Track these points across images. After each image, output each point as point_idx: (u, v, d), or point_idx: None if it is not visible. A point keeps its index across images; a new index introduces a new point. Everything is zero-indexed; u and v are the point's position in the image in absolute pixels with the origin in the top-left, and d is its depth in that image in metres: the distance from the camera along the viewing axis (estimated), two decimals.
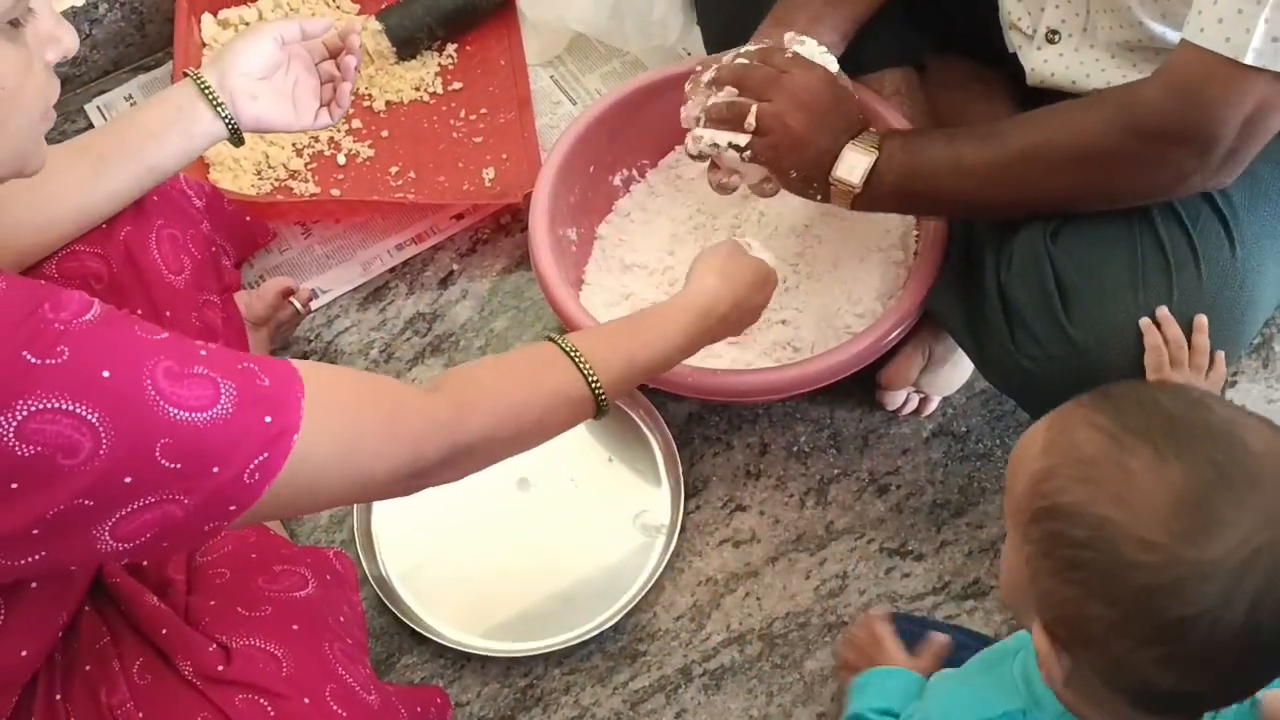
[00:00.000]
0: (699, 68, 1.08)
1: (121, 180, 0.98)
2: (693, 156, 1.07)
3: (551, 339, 0.88)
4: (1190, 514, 0.61)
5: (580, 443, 1.23)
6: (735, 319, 0.99)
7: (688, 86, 1.08)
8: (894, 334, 1.11)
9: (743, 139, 1.02)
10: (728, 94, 1.04)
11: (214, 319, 1.08)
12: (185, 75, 1.01)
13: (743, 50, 1.06)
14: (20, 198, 0.94)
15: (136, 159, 0.98)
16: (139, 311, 0.99)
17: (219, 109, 1.00)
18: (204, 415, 0.67)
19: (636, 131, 1.30)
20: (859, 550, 1.19)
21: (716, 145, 1.03)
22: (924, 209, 1.12)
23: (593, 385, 0.86)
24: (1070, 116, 0.95)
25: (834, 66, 1.07)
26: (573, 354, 0.86)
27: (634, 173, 1.34)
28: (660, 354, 0.93)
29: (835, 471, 1.23)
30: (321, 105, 1.07)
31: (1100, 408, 0.66)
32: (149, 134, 0.99)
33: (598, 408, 0.87)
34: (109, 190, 0.98)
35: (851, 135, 1.01)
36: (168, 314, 1.01)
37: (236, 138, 1.02)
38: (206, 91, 0.99)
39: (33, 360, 0.63)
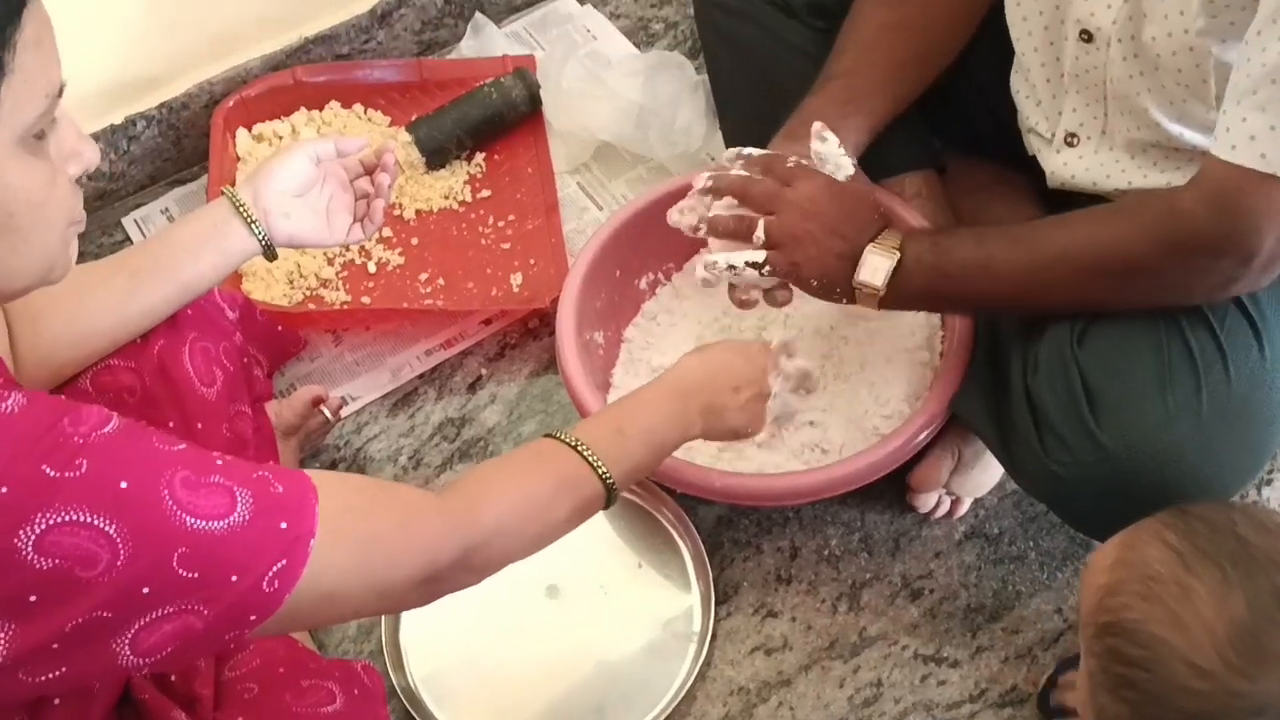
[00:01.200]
0: (701, 174, 1.08)
1: (156, 296, 1.00)
2: (708, 284, 1.06)
3: (548, 435, 0.90)
4: (1247, 645, 0.60)
5: (609, 548, 1.22)
6: (716, 384, 0.99)
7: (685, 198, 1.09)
8: (922, 436, 1.10)
9: (758, 255, 1.02)
10: (727, 205, 1.04)
11: (245, 429, 1.09)
12: (221, 193, 1.03)
13: (744, 153, 1.07)
14: (57, 313, 0.96)
15: (171, 275, 1.00)
16: (170, 424, 1.00)
17: (253, 226, 1.02)
18: (221, 524, 0.68)
19: (662, 236, 1.30)
20: (893, 657, 1.16)
21: (734, 267, 1.02)
22: (952, 308, 1.13)
23: (587, 457, 0.88)
24: (1107, 225, 0.95)
25: (850, 167, 1.07)
26: (563, 437, 0.89)
27: (660, 276, 1.36)
28: (646, 421, 0.93)
29: (867, 575, 1.21)
30: (355, 221, 1.09)
31: (1174, 526, 0.66)
32: (184, 250, 1.01)
33: (604, 484, 0.88)
34: (143, 306, 1.00)
35: (871, 236, 1.01)
36: (199, 426, 1.02)
37: (270, 253, 1.04)
38: (241, 209, 1.02)
39: (51, 474, 0.64)
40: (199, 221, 1.03)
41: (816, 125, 1.07)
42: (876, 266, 1.00)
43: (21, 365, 0.95)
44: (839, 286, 1.02)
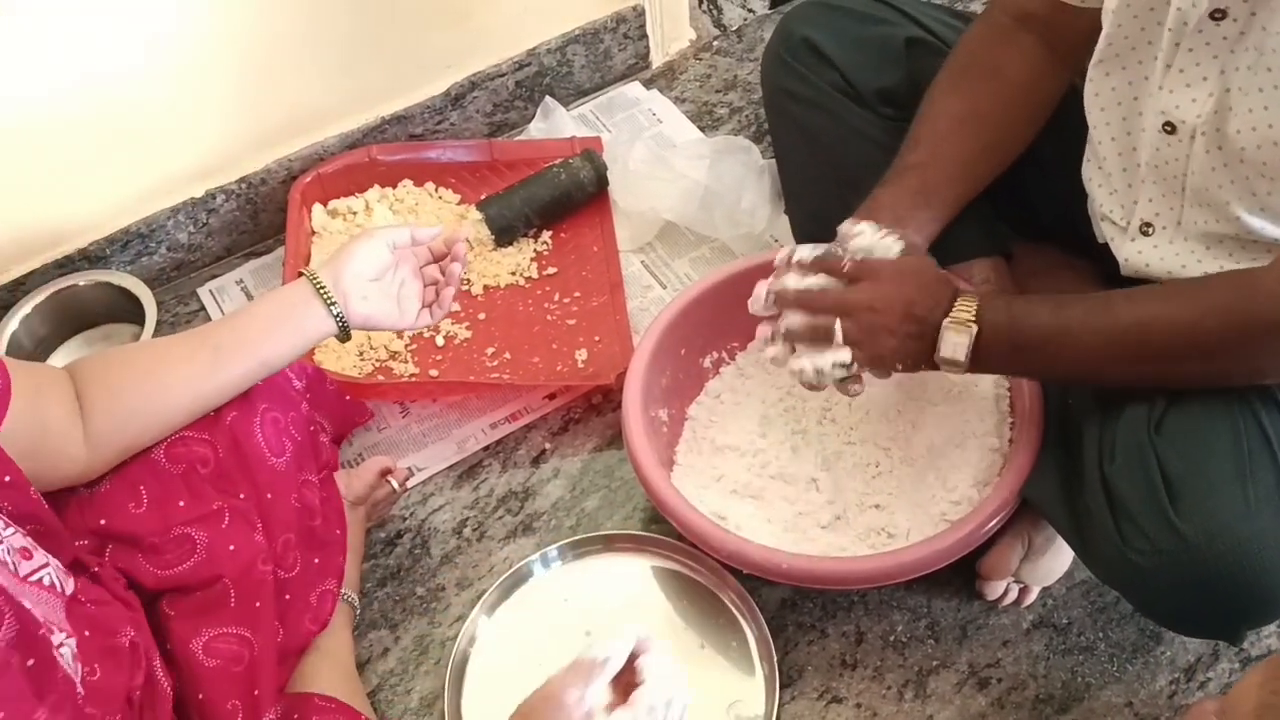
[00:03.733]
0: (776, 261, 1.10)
1: (235, 372, 1.02)
2: (807, 386, 1.08)
3: None
4: None
5: (672, 629, 1.21)
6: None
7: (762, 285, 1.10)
8: (993, 522, 1.10)
9: (845, 355, 1.03)
10: (803, 317, 1.05)
11: (312, 499, 1.10)
12: (301, 274, 1.07)
13: (797, 259, 1.08)
14: (138, 388, 0.98)
15: (251, 352, 1.02)
16: (242, 495, 1.02)
17: (331, 307, 1.05)
18: None
19: (726, 315, 1.32)
20: None
21: (821, 371, 1.05)
22: (1034, 375, 1.12)
23: None
24: (1186, 301, 0.95)
25: (897, 245, 1.07)
26: None
27: (724, 355, 1.37)
28: None
29: (934, 663, 1.20)
30: (424, 306, 1.13)
31: None
32: (264, 329, 1.03)
33: None
34: (223, 381, 1.02)
35: (945, 310, 1.01)
36: (269, 496, 1.03)
37: (345, 334, 1.07)
38: (321, 291, 1.05)
39: None
40: (279, 301, 1.05)
41: (843, 227, 1.09)
42: (957, 343, 1.01)
43: (94, 434, 0.96)
44: (923, 364, 1.04)
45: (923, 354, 1.02)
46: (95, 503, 0.98)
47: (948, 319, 1.01)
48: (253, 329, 1.03)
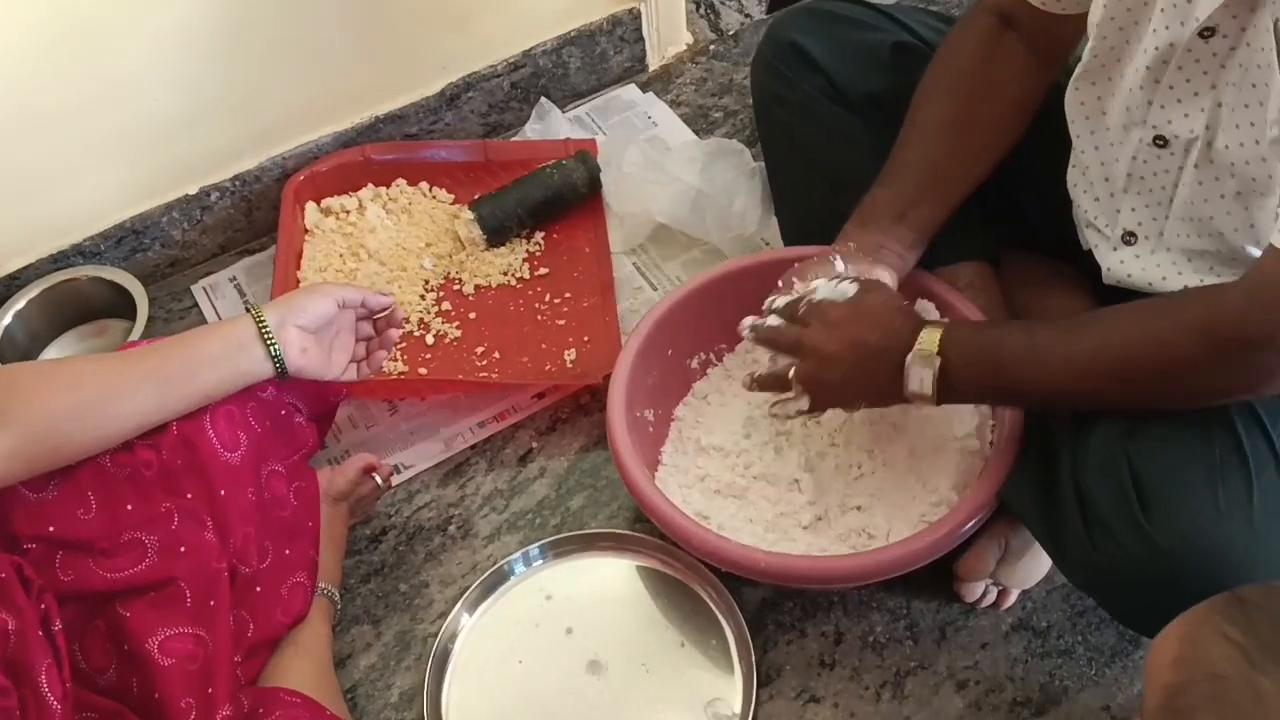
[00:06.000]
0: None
1: (180, 403, 1.04)
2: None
3: None
4: None
5: (653, 626, 1.22)
6: None
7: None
8: (970, 524, 1.10)
9: (805, 404, 1.07)
10: (762, 359, 1.12)
11: (279, 488, 1.11)
12: (248, 311, 1.09)
13: (773, 305, 1.11)
14: (80, 417, 0.98)
15: (196, 385, 1.04)
16: (189, 495, 1.03)
17: (272, 352, 1.07)
18: None
19: (714, 317, 1.33)
20: None
21: (790, 419, 1.12)
22: (1007, 401, 1.13)
23: None
24: (1150, 318, 0.95)
25: (850, 293, 1.07)
26: None
27: (711, 356, 1.37)
28: None
29: (912, 664, 1.20)
30: (353, 360, 1.17)
31: (1234, 619, 0.64)
32: (209, 364, 1.05)
33: None
34: (167, 412, 1.04)
35: (906, 345, 1.01)
36: (222, 493, 1.04)
37: (282, 378, 1.10)
38: (265, 335, 1.07)
39: None
40: (226, 338, 1.07)
41: (794, 271, 1.13)
42: (922, 377, 1.01)
43: (17, 452, 0.94)
44: (891, 400, 1.05)
45: (889, 391, 1.03)
46: (44, 509, 0.99)
47: (910, 354, 1.01)
48: (199, 363, 1.04)
